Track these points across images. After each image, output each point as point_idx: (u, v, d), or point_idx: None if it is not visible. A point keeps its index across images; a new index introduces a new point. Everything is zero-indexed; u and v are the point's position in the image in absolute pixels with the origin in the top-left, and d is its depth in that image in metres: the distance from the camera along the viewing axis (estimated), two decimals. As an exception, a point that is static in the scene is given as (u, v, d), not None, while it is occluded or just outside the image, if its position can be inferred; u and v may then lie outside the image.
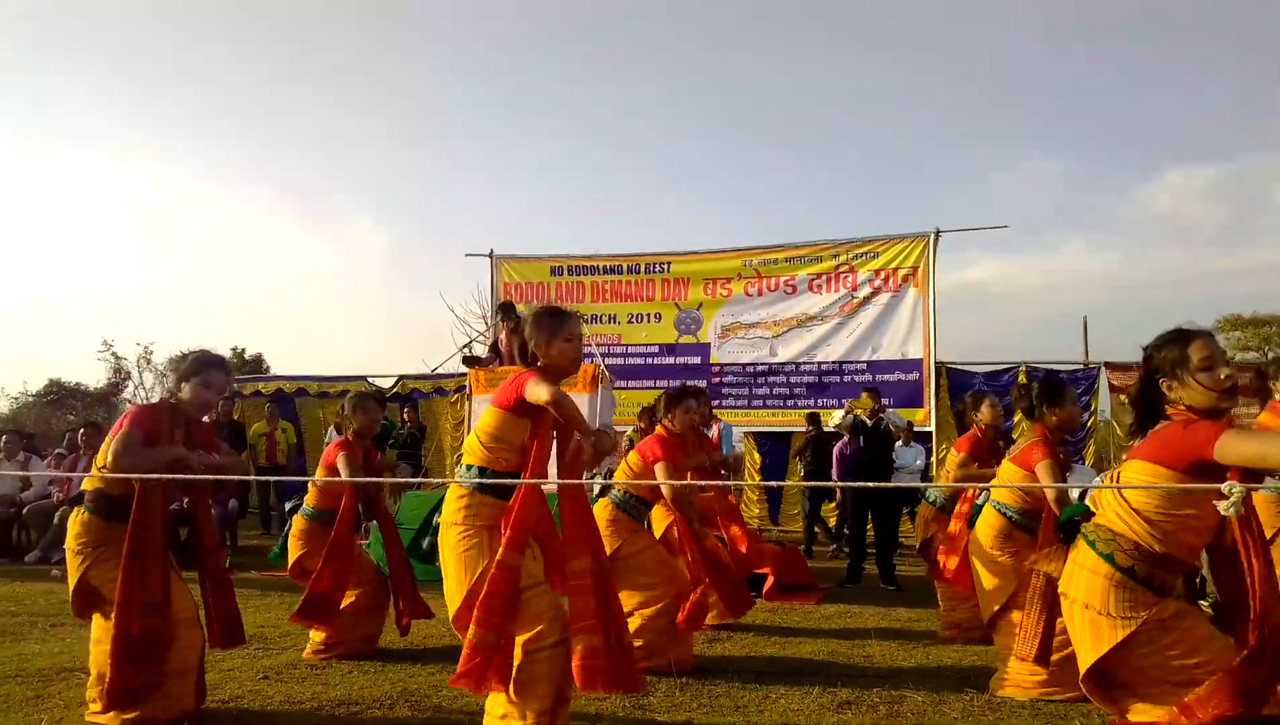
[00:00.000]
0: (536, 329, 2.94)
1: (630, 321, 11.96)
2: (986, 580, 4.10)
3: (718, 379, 11.46)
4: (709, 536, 5.28)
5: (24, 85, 44.33)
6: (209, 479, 3.36)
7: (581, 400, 8.17)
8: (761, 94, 44.67)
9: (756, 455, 11.11)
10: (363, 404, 4.65)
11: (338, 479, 4.39)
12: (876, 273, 11.16)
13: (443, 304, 26.35)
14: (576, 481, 2.95)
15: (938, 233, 10.96)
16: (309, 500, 4.62)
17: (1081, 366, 10.99)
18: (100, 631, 3.22)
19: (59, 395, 28.11)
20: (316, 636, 4.41)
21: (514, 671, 2.69)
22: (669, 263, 11.98)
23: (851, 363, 11.12)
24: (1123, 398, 10.49)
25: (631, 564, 4.26)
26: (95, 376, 28.51)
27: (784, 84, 44.69)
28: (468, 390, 9.23)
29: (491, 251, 12.38)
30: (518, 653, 2.70)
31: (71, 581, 3.28)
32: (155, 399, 3.61)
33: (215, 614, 3.40)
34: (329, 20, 48.32)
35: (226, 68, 46.57)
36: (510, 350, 9.03)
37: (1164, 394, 2.45)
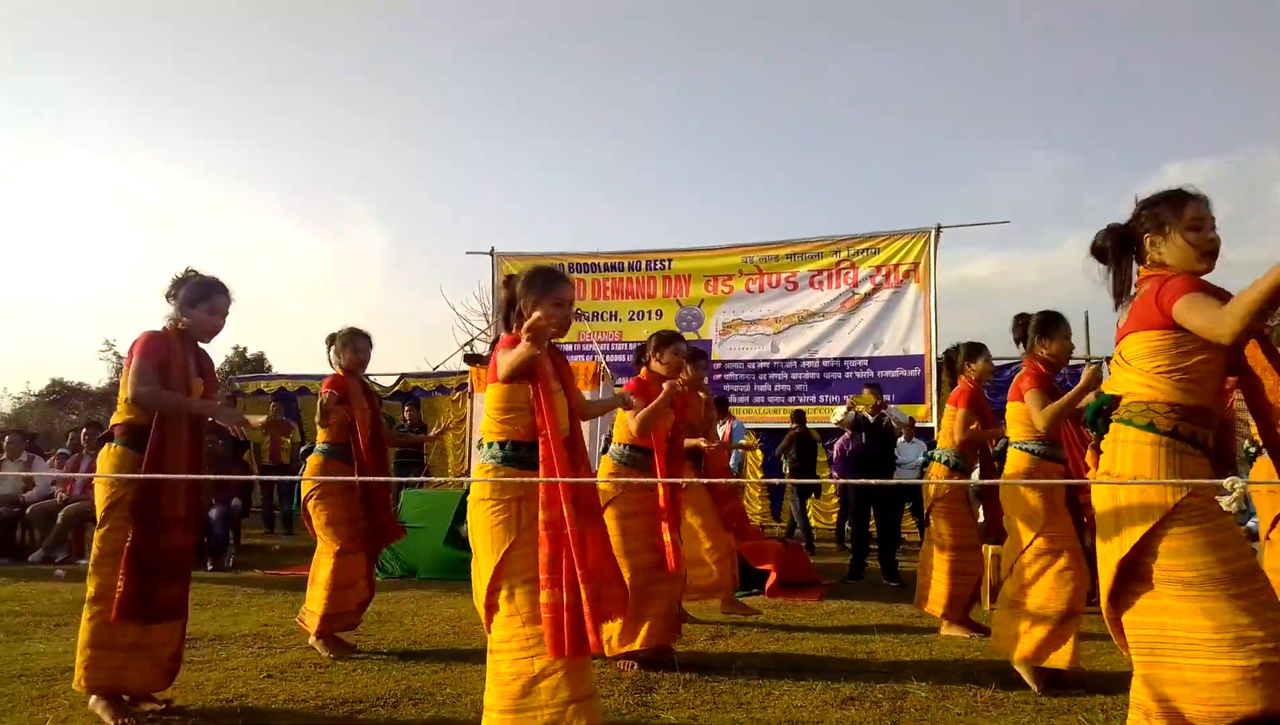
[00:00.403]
0: (527, 287, 2.90)
1: (631, 318, 11.97)
2: (1020, 522, 4.00)
3: (719, 376, 11.46)
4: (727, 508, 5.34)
5: (24, 85, 44.33)
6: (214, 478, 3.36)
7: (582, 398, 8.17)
8: (762, 92, 44.63)
9: (759, 452, 11.12)
10: (353, 340, 4.63)
11: (335, 479, 4.41)
12: (878, 269, 11.15)
13: (444, 302, 26.35)
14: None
15: (939, 229, 10.96)
16: (320, 438, 4.63)
17: (1084, 360, 10.99)
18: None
19: (61, 395, 28.12)
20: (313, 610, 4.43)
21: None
22: (670, 260, 11.98)
23: (853, 359, 11.12)
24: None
25: (615, 525, 4.24)
26: (97, 376, 28.55)
27: (785, 82, 44.64)
28: (470, 388, 9.26)
29: (492, 249, 12.39)
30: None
31: (99, 514, 3.25)
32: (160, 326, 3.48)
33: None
34: (328, 19, 48.30)
35: (226, 67, 46.55)
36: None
37: (1144, 250, 2.43)
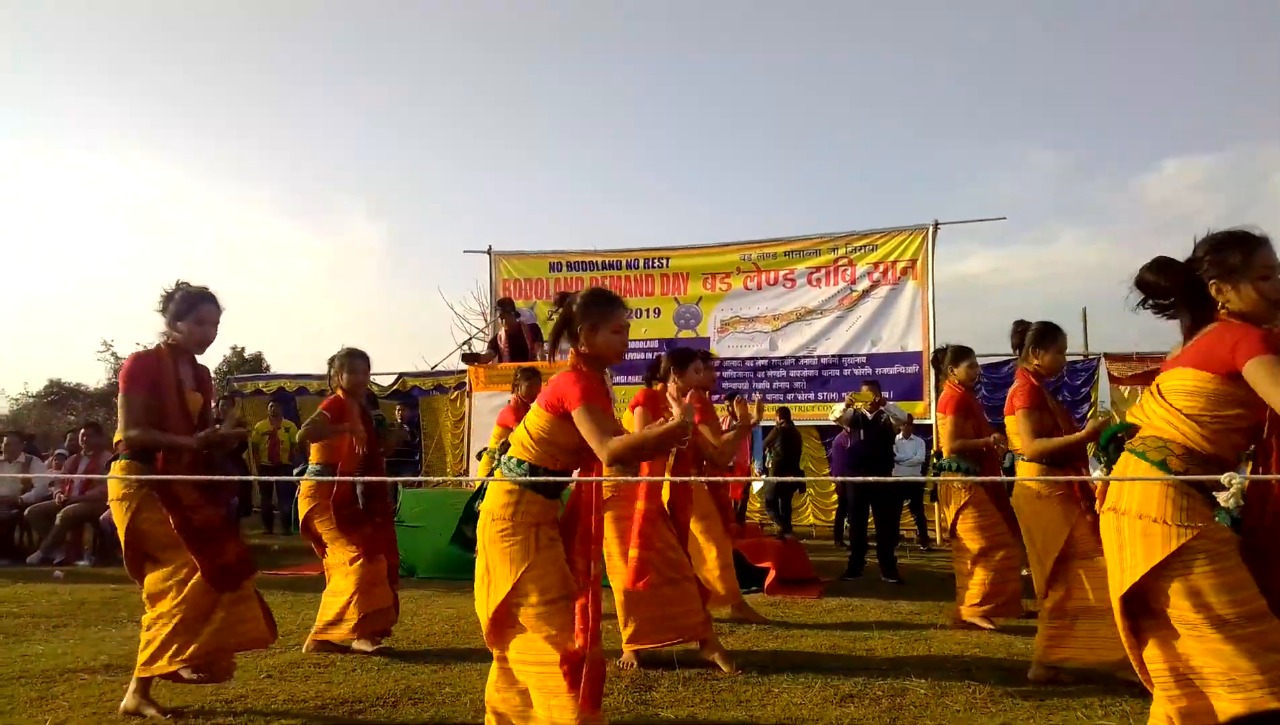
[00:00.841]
0: (584, 313, 2.83)
1: (629, 316, 11.94)
2: (1038, 537, 3.98)
3: (718, 374, 11.45)
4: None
5: (22, 84, 44.26)
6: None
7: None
8: (759, 89, 44.63)
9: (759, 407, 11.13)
10: (351, 362, 4.60)
11: (333, 478, 4.41)
12: (875, 266, 11.15)
13: (441, 301, 26.35)
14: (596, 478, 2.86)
15: (936, 225, 10.96)
16: (313, 458, 4.63)
17: (1081, 357, 11.01)
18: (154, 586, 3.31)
19: (59, 396, 28.10)
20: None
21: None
22: (668, 258, 11.97)
23: (851, 356, 11.12)
24: (1123, 388, 10.51)
25: (613, 528, 4.23)
26: (95, 377, 28.55)
27: (781, 79, 44.66)
28: (468, 387, 9.24)
29: (490, 248, 12.37)
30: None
31: (122, 533, 3.31)
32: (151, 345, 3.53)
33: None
34: (326, 18, 48.24)
35: (224, 66, 46.51)
36: (508, 346, 9.06)
37: (1210, 297, 2.37)
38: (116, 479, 3.31)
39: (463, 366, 10.65)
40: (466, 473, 9.15)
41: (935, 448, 6.57)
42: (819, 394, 11.08)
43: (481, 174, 46.24)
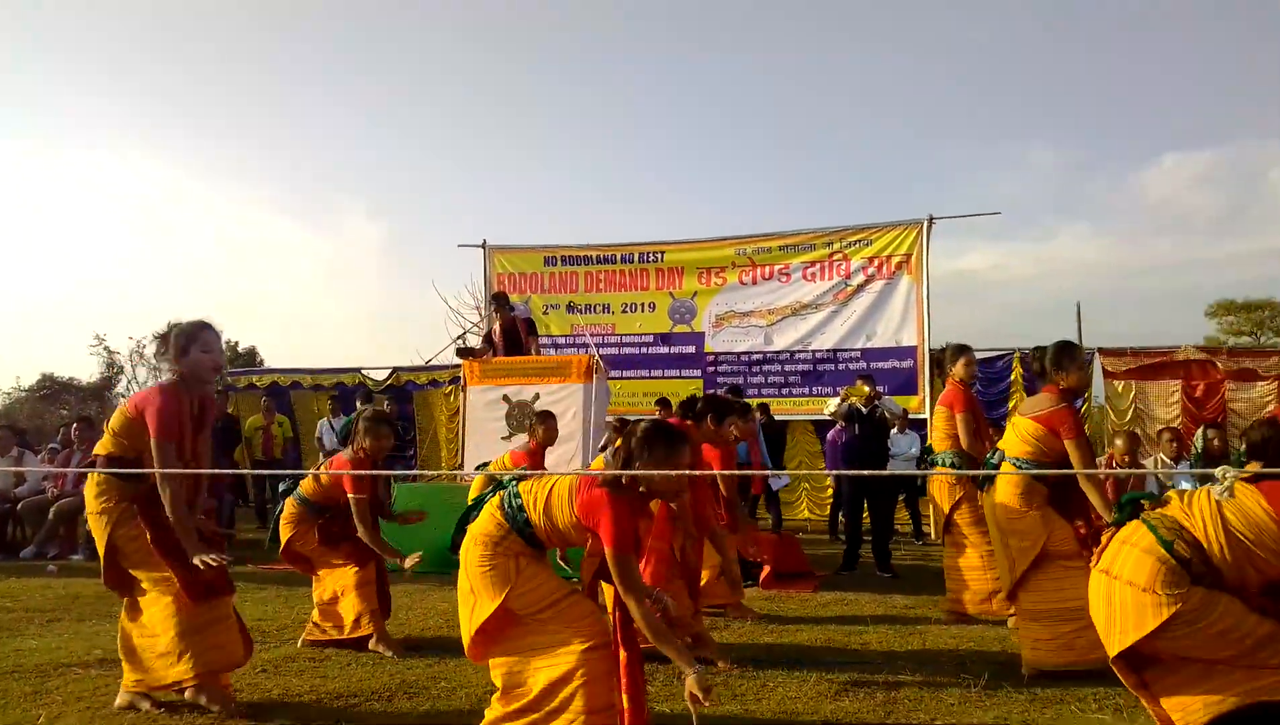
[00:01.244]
0: (644, 450, 2.69)
1: (624, 311, 11.95)
2: (1014, 541, 4.01)
3: (712, 368, 11.47)
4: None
5: (18, 81, 44.00)
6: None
7: (576, 391, 8.17)
8: (755, 84, 44.60)
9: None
10: (375, 427, 4.48)
11: (343, 474, 4.39)
12: (870, 260, 11.15)
13: (436, 295, 26.29)
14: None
15: (931, 220, 10.96)
16: (304, 488, 4.57)
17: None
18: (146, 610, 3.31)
19: (52, 390, 28.00)
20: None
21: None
22: (662, 252, 11.96)
23: (846, 350, 11.12)
24: (1117, 383, 10.53)
25: None
26: (88, 371, 28.48)
27: (778, 74, 44.62)
28: (462, 382, 9.22)
29: (484, 242, 12.34)
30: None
31: (101, 547, 3.31)
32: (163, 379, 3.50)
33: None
34: (322, 15, 48.03)
35: (219, 62, 46.29)
36: (502, 340, 9.04)
37: None
38: (93, 494, 3.31)
39: (457, 361, 10.63)
40: (461, 467, 9.14)
41: (927, 442, 6.56)
42: (814, 389, 11.09)
43: (476, 169, 46.22)
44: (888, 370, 10.76)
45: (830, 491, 10.46)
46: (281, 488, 4.89)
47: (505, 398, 8.37)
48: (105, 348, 27.41)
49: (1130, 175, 46.94)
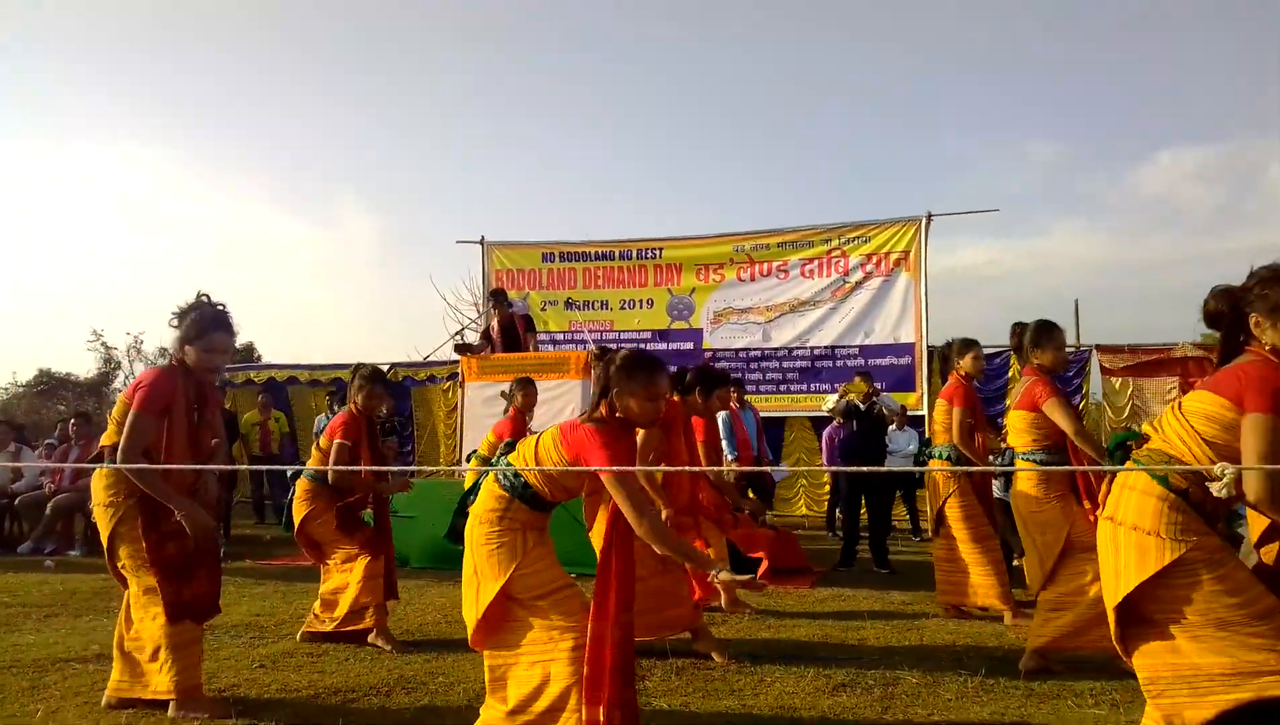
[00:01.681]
0: (622, 378, 2.74)
1: (622, 307, 11.95)
2: (1039, 536, 4.01)
3: (710, 365, 11.46)
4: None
5: (14, 75, 43.85)
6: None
7: (574, 387, 8.17)
8: (753, 80, 44.56)
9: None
10: (369, 386, 4.58)
11: (344, 469, 4.40)
12: (868, 257, 11.15)
13: (434, 291, 26.25)
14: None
15: (929, 216, 10.95)
16: (312, 463, 4.63)
17: (1073, 349, 11.03)
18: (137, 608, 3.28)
19: (49, 385, 27.92)
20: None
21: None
22: (661, 249, 11.95)
23: (844, 347, 11.12)
24: (1114, 380, 10.54)
25: None
26: (85, 366, 28.36)
27: (775, 70, 44.57)
28: (460, 378, 9.22)
29: (483, 238, 12.33)
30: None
31: (105, 538, 3.29)
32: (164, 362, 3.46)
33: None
34: (321, 12, 47.93)
35: (215, 57, 46.15)
36: (500, 336, 9.03)
37: (1249, 328, 2.40)
38: (102, 486, 3.28)
39: (455, 357, 10.61)
40: (459, 463, 9.14)
41: (926, 435, 6.58)
42: (812, 385, 11.09)
43: (475, 164, 46.15)
44: (886, 367, 10.75)
45: (828, 488, 10.47)
46: (290, 472, 4.94)
47: (503, 394, 8.35)
48: (103, 343, 27.34)
49: (1127, 171, 46.92)
